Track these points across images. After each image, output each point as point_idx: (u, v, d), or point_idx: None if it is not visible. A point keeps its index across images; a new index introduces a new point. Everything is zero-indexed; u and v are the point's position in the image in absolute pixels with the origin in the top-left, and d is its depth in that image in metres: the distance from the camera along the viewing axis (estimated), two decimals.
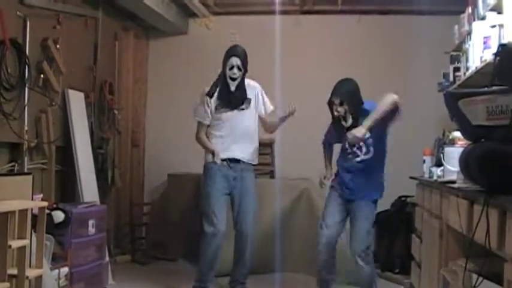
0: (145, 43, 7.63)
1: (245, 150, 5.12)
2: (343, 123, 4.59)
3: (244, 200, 5.13)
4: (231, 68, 4.98)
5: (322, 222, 4.67)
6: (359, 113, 4.52)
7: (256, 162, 5.29)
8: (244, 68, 5.03)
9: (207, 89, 5.06)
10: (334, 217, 4.66)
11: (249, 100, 5.11)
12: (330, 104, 4.59)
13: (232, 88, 5.02)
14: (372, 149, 4.56)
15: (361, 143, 4.53)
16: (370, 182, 4.63)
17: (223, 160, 5.03)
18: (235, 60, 4.97)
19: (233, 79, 5.00)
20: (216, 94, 5.05)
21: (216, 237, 4.98)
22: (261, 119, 5.24)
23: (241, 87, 5.06)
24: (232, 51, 5.03)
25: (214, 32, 7.32)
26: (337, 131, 4.72)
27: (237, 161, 5.09)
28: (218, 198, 5.04)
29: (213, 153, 5.04)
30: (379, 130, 4.52)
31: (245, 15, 7.34)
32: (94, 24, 6.23)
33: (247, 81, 5.15)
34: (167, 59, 7.47)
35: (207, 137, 5.12)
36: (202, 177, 5.16)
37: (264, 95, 5.24)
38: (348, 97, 4.52)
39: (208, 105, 5.05)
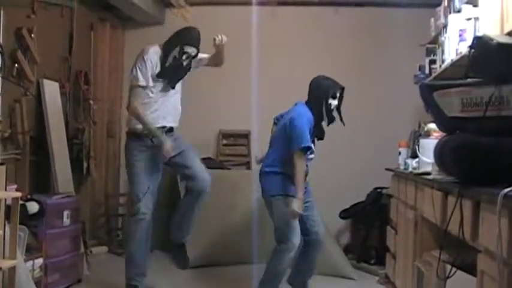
0: (121, 33, 7.57)
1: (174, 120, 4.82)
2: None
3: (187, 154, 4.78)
4: (188, 56, 4.67)
5: None
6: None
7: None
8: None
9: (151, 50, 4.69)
10: None
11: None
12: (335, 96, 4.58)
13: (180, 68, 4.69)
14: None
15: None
16: None
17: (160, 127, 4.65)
18: (192, 50, 4.66)
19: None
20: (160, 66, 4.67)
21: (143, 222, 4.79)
22: (208, 61, 4.91)
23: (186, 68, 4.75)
24: (192, 40, 4.67)
25: (191, 22, 7.23)
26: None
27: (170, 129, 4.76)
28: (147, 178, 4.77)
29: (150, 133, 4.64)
30: None
31: (222, 6, 7.30)
32: (70, 14, 6.15)
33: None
34: None
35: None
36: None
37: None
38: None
39: (151, 66, 4.62)
